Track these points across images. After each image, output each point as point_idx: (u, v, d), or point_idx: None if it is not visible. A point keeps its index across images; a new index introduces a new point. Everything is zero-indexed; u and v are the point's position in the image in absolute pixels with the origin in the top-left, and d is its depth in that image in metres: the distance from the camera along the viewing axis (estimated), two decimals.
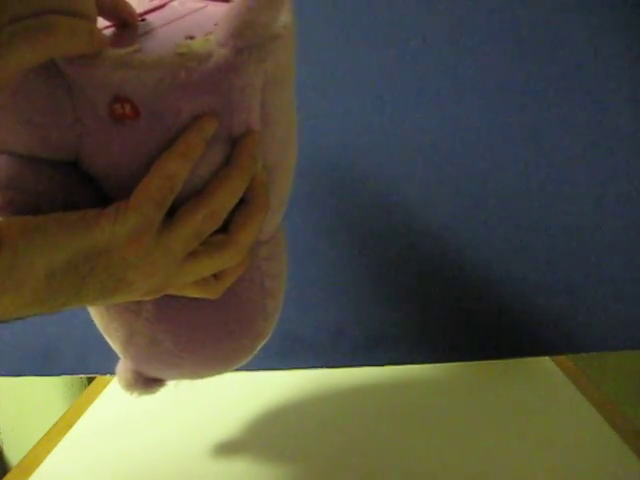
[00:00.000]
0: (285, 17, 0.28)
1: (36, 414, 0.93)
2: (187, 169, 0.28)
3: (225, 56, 0.26)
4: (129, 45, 0.27)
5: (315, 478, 0.50)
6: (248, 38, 0.26)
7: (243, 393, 0.64)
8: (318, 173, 0.63)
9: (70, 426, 0.60)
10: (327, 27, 0.61)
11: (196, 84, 0.26)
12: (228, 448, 0.55)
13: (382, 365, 0.67)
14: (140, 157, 0.28)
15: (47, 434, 0.60)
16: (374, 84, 0.62)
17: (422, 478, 0.50)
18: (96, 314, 0.39)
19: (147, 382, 0.42)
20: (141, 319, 0.36)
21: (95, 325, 0.40)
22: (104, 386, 0.68)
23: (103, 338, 0.41)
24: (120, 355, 0.41)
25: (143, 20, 0.31)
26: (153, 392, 0.43)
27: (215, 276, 0.34)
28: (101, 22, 0.30)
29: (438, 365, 0.67)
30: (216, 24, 0.29)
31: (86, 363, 0.68)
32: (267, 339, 0.41)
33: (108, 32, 0.30)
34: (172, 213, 0.29)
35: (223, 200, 0.30)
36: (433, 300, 0.66)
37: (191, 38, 0.28)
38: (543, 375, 0.66)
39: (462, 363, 0.67)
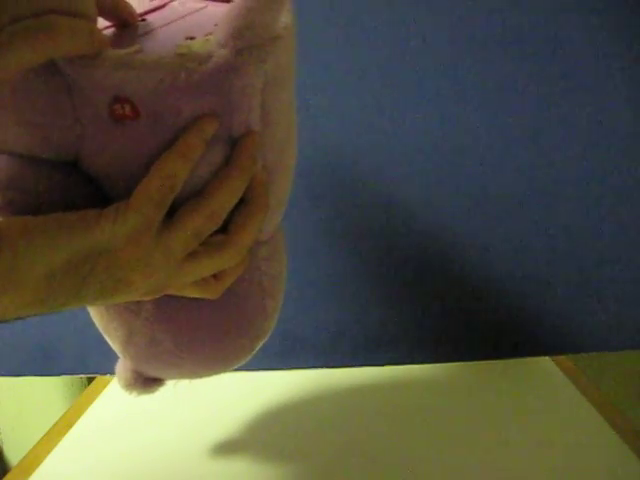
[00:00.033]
0: (285, 18, 0.28)
1: (36, 414, 0.93)
2: (187, 169, 0.28)
3: (225, 57, 0.26)
4: (129, 45, 0.27)
5: (315, 478, 0.50)
6: (248, 39, 0.26)
7: (243, 393, 0.64)
8: (318, 173, 0.63)
9: (70, 426, 0.60)
10: (327, 27, 0.61)
11: (196, 85, 0.26)
12: (228, 448, 0.55)
13: (382, 365, 0.67)
14: (140, 157, 0.28)
15: (47, 434, 0.60)
16: (374, 84, 0.62)
17: (422, 478, 0.50)
18: (96, 314, 0.39)
19: (146, 382, 0.42)
20: (140, 319, 0.36)
21: (95, 325, 0.40)
22: (104, 386, 0.68)
23: (103, 338, 0.41)
24: (119, 355, 0.41)
25: (143, 20, 0.31)
26: (152, 392, 0.43)
27: (215, 276, 0.34)
28: (101, 22, 0.30)
29: (438, 365, 0.67)
30: (216, 24, 0.29)
31: (86, 363, 0.68)
32: (266, 339, 0.41)
33: (108, 32, 0.30)
34: (172, 213, 0.29)
35: (223, 200, 0.30)
36: (433, 300, 0.66)
37: (191, 39, 0.28)
38: (543, 375, 0.66)
39: (462, 363, 0.67)
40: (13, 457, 0.93)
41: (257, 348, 0.41)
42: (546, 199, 0.64)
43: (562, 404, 0.60)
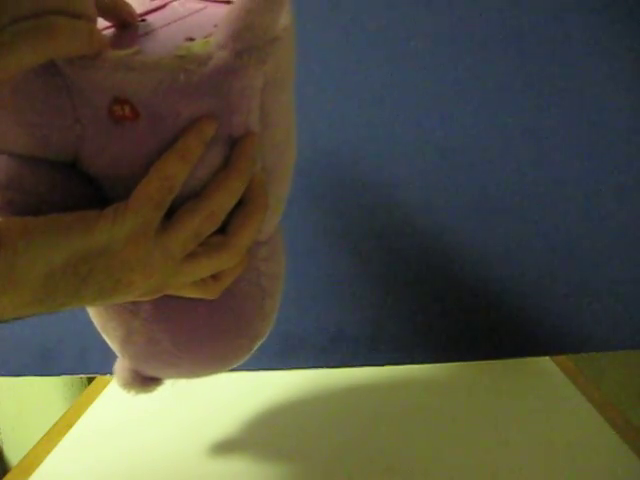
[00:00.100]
0: (285, 19, 0.28)
1: (36, 414, 0.93)
2: (186, 171, 0.28)
3: (224, 58, 0.26)
4: (129, 46, 0.27)
5: (315, 478, 0.50)
6: (248, 40, 0.26)
7: (242, 393, 0.64)
8: (318, 173, 0.63)
9: (70, 426, 0.60)
10: (327, 27, 0.61)
11: (195, 86, 0.26)
12: (228, 448, 0.55)
13: (382, 365, 0.67)
14: (139, 158, 0.28)
15: (47, 434, 0.60)
16: (374, 84, 0.62)
17: (422, 478, 0.50)
18: (94, 313, 0.39)
19: (145, 381, 0.43)
20: (139, 319, 0.36)
21: (95, 325, 0.40)
22: (104, 386, 0.68)
23: (102, 338, 0.41)
24: (118, 354, 0.41)
25: (143, 20, 0.31)
26: (151, 391, 0.44)
27: (213, 276, 0.34)
28: (101, 22, 0.30)
29: (438, 365, 0.67)
30: (216, 26, 0.29)
31: (86, 363, 0.68)
32: (264, 339, 0.41)
33: (108, 32, 0.30)
34: (171, 214, 0.29)
35: (222, 201, 0.30)
36: (433, 300, 0.66)
37: (191, 40, 0.28)
38: (543, 375, 0.66)
39: (462, 363, 0.67)
40: (13, 457, 0.93)
41: (255, 348, 0.41)
42: (546, 199, 0.64)
43: (562, 404, 0.60)
